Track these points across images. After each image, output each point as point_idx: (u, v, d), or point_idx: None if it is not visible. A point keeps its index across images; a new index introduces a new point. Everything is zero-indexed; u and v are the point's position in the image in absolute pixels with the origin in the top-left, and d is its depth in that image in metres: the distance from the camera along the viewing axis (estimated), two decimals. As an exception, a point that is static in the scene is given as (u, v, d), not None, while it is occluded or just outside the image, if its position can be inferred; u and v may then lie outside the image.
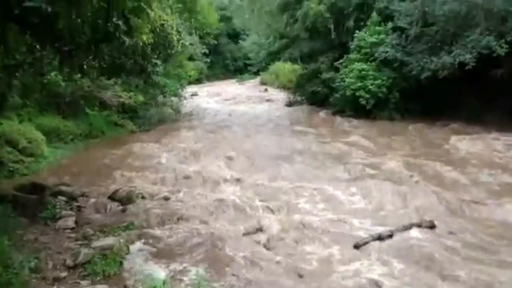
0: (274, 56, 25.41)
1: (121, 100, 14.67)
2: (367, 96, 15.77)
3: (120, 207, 7.18)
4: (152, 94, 16.31)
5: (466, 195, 7.93)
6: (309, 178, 9.12)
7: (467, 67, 13.15)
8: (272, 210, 7.38)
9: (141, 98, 15.26)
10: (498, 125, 12.81)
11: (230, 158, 10.89)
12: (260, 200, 7.79)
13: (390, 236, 6.13)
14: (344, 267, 5.46)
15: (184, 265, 5.39)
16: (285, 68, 27.47)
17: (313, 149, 11.87)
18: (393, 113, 15.90)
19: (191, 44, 19.31)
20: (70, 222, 6.24)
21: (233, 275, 5.12)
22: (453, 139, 12.25)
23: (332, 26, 18.21)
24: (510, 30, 12.70)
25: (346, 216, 7.10)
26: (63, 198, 7.20)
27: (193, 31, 19.39)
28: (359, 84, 15.92)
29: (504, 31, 12.92)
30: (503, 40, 12.72)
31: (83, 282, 4.65)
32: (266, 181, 8.98)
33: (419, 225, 6.49)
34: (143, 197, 7.68)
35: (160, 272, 5.10)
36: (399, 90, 15.80)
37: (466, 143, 11.76)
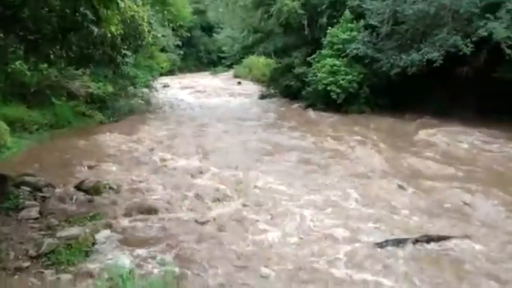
0: (248, 49, 25.40)
1: (90, 90, 14.34)
2: (338, 90, 16.02)
3: (87, 197, 7.07)
4: (122, 85, 16.04)
5: (466, 195, 7.57)
6: (295, 174, 8.81)
7: (434, 65, 13.55)
8: (252, 206, 7.07)
9: (110, 88, 14.96)
10: (465, 121, 13.23)
11: (203, 151, 10.84)
12: (237, 195, 7.55)
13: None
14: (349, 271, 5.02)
15: (151, 254, 5.39)
16: (258, 62, 27.54)
17: (291, 143, 11.83)
18: (363, 107, 16.23)
19: (163, 36, 19.11)
20: (34, 212, 6.10)
21: (202, 265, 5.15)
22: (423, 133, 12.69)
23: (305, 22, 18.35)
24: (475, 31, 13.14)
25: (347, 220, 6.46)
26: (27, 189, 7.01)
27: (166, 23, 19.15)
28: (330, 79, 16.14)
29: (469, 31, 13.36)
30: (468, 40, 13.16)
31: (47, 272, 4.58)
32: (242, 175, 8.73)
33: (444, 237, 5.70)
34: (110, 188, 7.59)
35: (126, 261, 5.08)
36: (370, 85, 16.13)
37: (440, 138, 12.15)
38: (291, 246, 5.70)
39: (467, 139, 11.89)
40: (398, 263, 5.20)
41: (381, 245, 5.58)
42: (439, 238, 5.74)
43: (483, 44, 13.06)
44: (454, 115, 13.78)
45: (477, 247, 5.58)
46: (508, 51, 12.37)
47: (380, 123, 14.48)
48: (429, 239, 5.71)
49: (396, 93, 15.31)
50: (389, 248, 5.53)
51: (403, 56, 14.59)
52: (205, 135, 13.13)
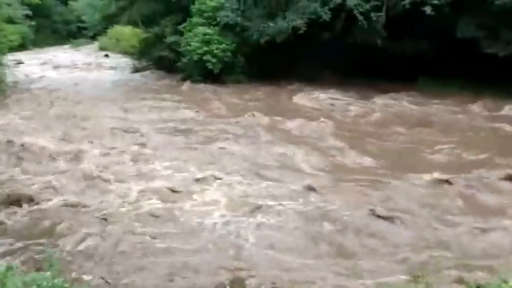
0: (111, 19, 23.51)
1: None
2: (214, 60, 15.91)
3: None
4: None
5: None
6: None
7: (299, 32, 14.37)
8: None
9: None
10: (331, 84, 14.46)
11: (65, 133, 9.75)
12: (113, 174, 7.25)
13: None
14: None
15: (29, 247, 4.91)
16: (125, 32, 25.82)
17: (172, 117, 11.50)
18: (240, 77, 16.45)
19: (8, 4, 16.65)
20: None
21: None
22: (296, 98, 13.66)
23: (171, -12, 17.65)
24: (331, -1, 14.25)
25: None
26: None
27: (7, -13, 16.62)
28: (205, 48, 15.92)
29: (326, -1, 14.46)
30: (326, 7, 14.23)
31: None
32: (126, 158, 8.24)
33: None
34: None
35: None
36: (243, 54, 16.37)
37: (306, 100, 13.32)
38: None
39: (329, 99, 13.19)
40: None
41: None
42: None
43: (339, 11, 14.30)
44: (321, 80, 14.96)
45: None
46: (359, 17, 13.75)
47: (257, 92, 14.85)
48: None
49: (268, 61, 15.80)
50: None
51: (271, 24, 15.11)
52: (77, 115, 11.83)
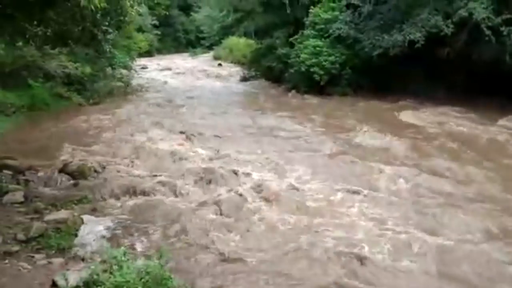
0: (228, 30, 25.00)
1: (67, 71, 13.82)
2: (321, 72, 15.91)
3: (72, 181, 6.87)
4: (100, 66, 15.53)
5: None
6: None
7: (416, 45, 13.60)
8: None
9: (88, 69, 14.45)
10: (445, 102, 13.44)
11: (190, 134, 10.50)
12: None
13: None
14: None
15: (142, 236, 5.31)
16: (239, 42, 27.13)
17: (281, 127, 11.72)
18: (346, 89, 16.22)
19: (140, 14, 18.56)
20: (18, 196, 5.88)
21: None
22: (404, 113, 12.91)
23: (287, 1, 18.04)
24: (456, 11, 13.26)
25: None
26: (9, 172, 6.75)
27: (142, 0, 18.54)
28: (313, 60, 16.01)
29: (450, 12, 13.47)
30: (449, 20, 13.27)
31: (37, 256, 4.44)
32: (232, 151, 8.86)
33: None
34: (95, 171, 7.39)
35: (117, 243, 4.98)
36: (352, 66, 16.09)
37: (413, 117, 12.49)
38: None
39: (445, 120, 12.12)
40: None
41: None
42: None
43: (463, 25, 13.22)
44: (435, 97, 13.96)
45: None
46: (487, 31, 12.53)
47: (362, 106, 14.44)
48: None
49: (378, 74, 15.31)
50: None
51: (385, 37, 14.54)
52: (188, 117, 12.83)
